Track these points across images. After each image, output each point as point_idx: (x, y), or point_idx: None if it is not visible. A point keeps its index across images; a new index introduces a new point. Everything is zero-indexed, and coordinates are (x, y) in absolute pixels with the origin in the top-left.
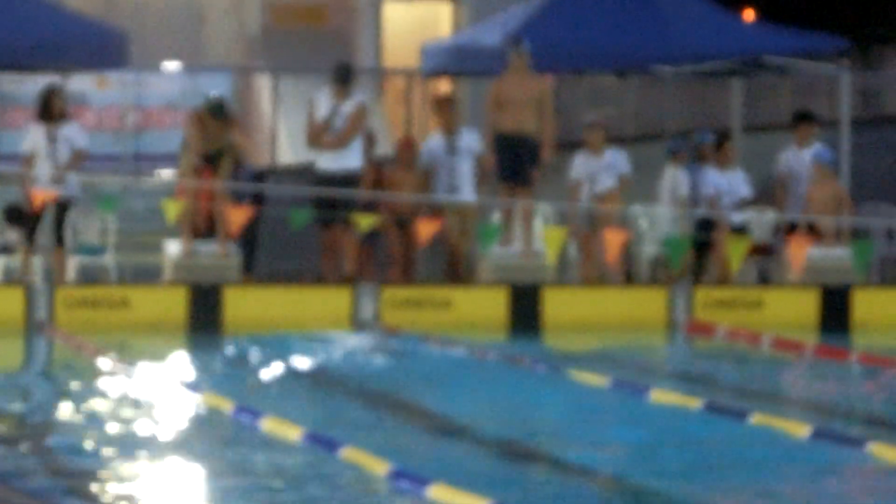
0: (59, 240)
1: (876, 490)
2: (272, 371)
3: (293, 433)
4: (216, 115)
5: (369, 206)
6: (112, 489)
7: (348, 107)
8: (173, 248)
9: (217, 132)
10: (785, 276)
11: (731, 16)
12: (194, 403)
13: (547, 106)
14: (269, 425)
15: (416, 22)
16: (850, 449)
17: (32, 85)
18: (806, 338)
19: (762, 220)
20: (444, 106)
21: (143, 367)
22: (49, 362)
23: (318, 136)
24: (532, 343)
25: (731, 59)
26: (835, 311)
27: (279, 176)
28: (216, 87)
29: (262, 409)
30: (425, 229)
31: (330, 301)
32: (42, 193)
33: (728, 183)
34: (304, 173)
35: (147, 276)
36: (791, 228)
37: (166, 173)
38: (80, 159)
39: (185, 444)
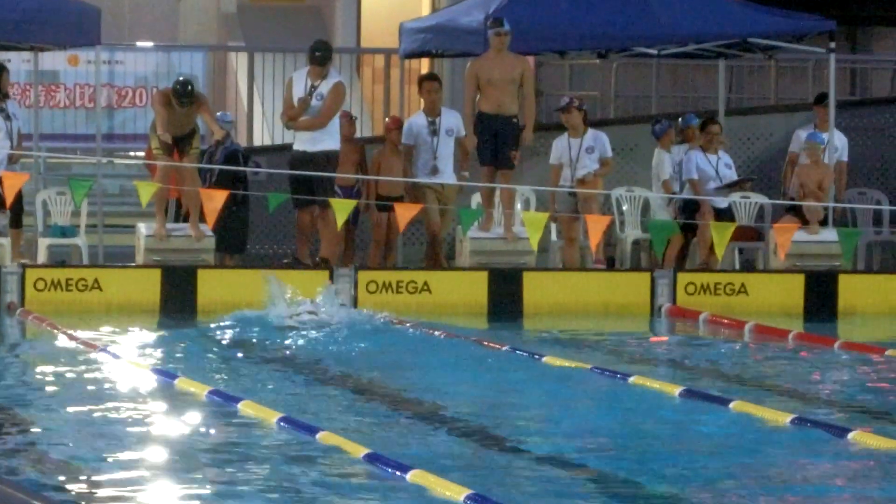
0: (17, 221)
1: (858, 476)
2: (245, 353)
3: (269, 416)
4: (181, 98)
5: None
6: (81, 473)
7: (325, 87)
8: (146, 229)
9: (184, 115)
10: (769, 262)
11: None
12: (167, 386)
13: (528, 87)
14: (243, 408)
15: (395, 1)
16: (830, 435)
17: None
18: (791, 324)
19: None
20: (429, 85)
21: (115, 349)
22: (19, 345)
23: (295, 117)
24: (512, 328)
25: (716, 41)
26: (820, 297)
27: (255, 156)
28: (191, 65)
29: (236, 392)
30: (405, 213)
31: (307, 285)
32: (9, 175)
33: (713, 166)
34: (282, 153)
35: (119, 258)
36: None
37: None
38: (22, 139)
39: (158, 428)
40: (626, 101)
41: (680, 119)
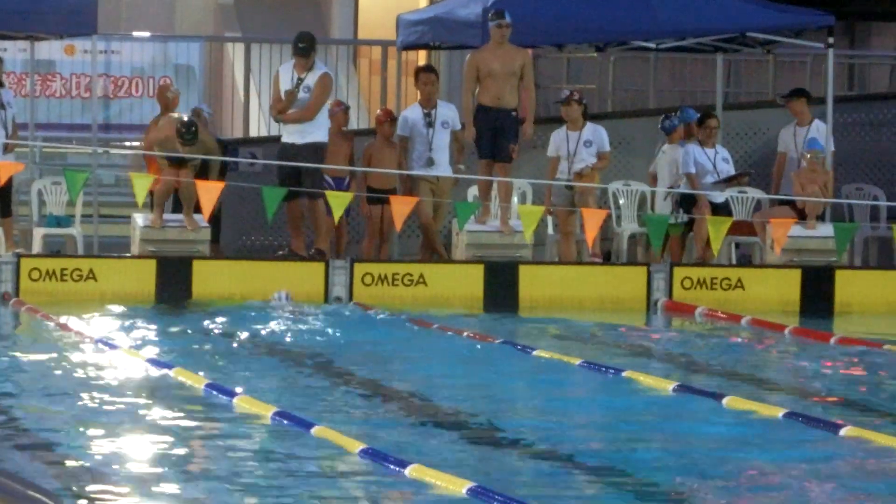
0: (6, 209)
1: (850, 470)
2: (241, 344)
3: (264, 410)
4: (186, 140)
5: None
6: (74, 464)
7: (311, 79)
8: (142, 220)
9: (186, 149)
10: (766, 257)
11: None
12: (162, 377)
13: (529, 79)
14: (238, 401)
15: None
16: (822, 430)
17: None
18: (787, 319)
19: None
20: (426, 77)
21: (110, 339)
22: (14, 334)
23: (283, 110)
24: (508, 321)
25: (714, 36)
26: (817, 293)
27: (251, 147)
28: (187, 56)
29: (231, 384)
30: (401, 209)
31: (303, 277)
32: (3, 165)
33: (711, 161)
34: (278, 144)
35: (114, 248)
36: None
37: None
38: (17, 129)
39: (152, 418)
40: (623, 95)
41: (675, 113)
